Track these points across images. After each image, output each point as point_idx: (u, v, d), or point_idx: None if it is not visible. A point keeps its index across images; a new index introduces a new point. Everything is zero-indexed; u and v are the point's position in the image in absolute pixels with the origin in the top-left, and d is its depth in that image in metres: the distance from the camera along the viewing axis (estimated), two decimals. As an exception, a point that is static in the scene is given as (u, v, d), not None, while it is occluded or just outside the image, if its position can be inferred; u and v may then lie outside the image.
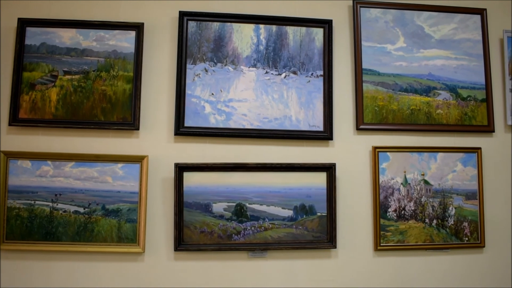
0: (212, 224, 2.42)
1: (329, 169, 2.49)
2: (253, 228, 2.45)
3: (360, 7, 2.66)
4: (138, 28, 2.46)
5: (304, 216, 2.49)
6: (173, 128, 2.45)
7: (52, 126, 2.39)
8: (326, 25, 2.60)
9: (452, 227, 2.60)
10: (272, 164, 2.47)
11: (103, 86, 2.42)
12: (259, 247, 2.45)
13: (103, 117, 2.40)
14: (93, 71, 2.43)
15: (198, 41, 2.52)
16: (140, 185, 2.39)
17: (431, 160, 2.61)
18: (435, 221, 2.58)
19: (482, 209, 2.62)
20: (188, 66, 2.49)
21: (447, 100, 2.67)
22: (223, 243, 2.42)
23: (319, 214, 2.49)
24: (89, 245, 2.34)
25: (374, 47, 2.65)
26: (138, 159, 2.39)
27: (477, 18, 2.77)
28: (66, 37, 2.44)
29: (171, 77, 2.50)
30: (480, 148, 2.65)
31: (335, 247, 2.48)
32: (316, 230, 2.49)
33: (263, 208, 2.47)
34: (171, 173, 2.42)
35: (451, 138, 2.66)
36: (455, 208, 2.61)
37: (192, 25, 2.52)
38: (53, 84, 2.40)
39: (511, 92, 2.73)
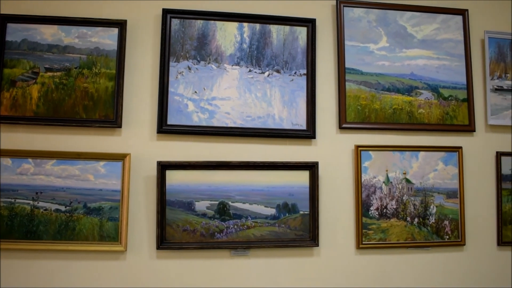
0: (195, 223, 2.48)
1: (311, 167, 2.57)
2: (235, 226, 2.52)
3: (344, 6, 2.74)
4: (121, 25, 2.50)
5: (287, 215, 2.56)
6: (156, 126, 2.50)
7: (33, 123, 2.41)
8: (310, 24, 2.68)
9: (433, 225, 2.70)
10: (255, 162, 2.53)
11: (85, 84, 2.45)
12: (242, 246, 2.51)
13: (85, 115, 2.43)
14: (75, 68, 2.46)
15: (181, 39, 2.58)
16: (122, 183, 2.43)
17: (413, 159, 2.71)
18: (416, 220, 2.69)
19: (463, 208, 2.73)
20: (171, 64, 2.54)
21: (429, 99, 2.77)
22: (205, 242, 2.48)
23: (301, 212, 2.57)
24: (71, 243, 2.37)
25: (357, 46, 2.74)
26: (120, 157, 2.44)
27: (459, 18, 2.87)
28: (48, 33, 2.47)
29: (154, 75, 2.55)
30: (461, 147, 2.76)
31: (317, 245, 2.55)
32: (298, 229, 2.56)
33: (246, 206, 2.53)
34: (153, 171, 2.47)
35: (432, 137, 2.76)
36: (436, 206, 2.71)
37: (175, 22, 2.57)
38: (34, 81, 2.43)
39: (491, 92, 2.85)
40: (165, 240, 2.45)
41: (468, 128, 2.79)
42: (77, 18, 2.49)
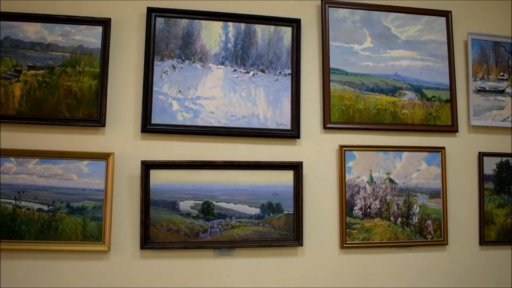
0: (179, 222, 2.53)
1: (296, 167, 2.63)
2: (220, 226, 2.56)
3: (329, 7, 2.81)
4: (105, 23, 2.53)
5: (271, 214, 2.62)
6: (140, 125, 2.53)
7: (16, 122, 2.43)
8: (295, 24, 2.74)
9: (416, 225, 2.78)
10: (239, 162, 2.58)
11: (69, 82, 2.48)
12: (226, 245, 2.55)
13: (68, 114, 2.46)
14: (59, 66, 2.48)
15: (166, 38, 2.62)
16: (106, 182, 2.46)
17: (396, 159, 2.79)
18: (399, 219, 2.77)
19: (446, 208, 2.81)
20: (155, 62, 2.58)
21: (412, 100, 2.86)
22: (189, 241, 2.52)
23: (286, 212, 2.63)
24: (53, 243, 2.39)
25: (342, 47, 2.81)
26: (104, 156, 2.47)
27: (442, 20, 2.96)
28: (31, 31, 2.49)
29: (138, 74, 2.59)
30: (444, 148, 2.85)
31: (301, 245, 2.61)
32: (283, 228, 2.62)
33: (230, 206, 2.58)
34: (137, 170, 2.51)
35: (416, 137, 2.84)
36: (419, 206, 2.79)
37: (160, 21, 2.61)
38: (16, 79, 2.45)
39: (474, 93, 2.94)
40: (149, 240, 2.49)
41: (451, 128, 2.88)
42: (60, 16, 2.51)
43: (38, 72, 2.48)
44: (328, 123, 2.73)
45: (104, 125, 2.50)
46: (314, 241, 2.68)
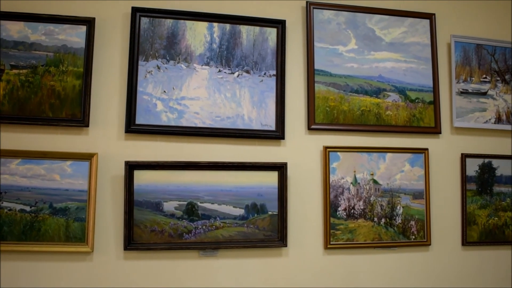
0: (163, 223, 2.56)
1: (280, 168, 2.69)
2: (204, 227, 2.61)
3: (313, 8, 2.88)
4: (89, 23, 2.56)
5: (256, 215, 2.67)
6: (124, 126, 2.57)
7: (-2, 121, 2.44)
8: (280, 25, 2.80)
9: (399, 225, 2.86)
10: (224, 163, 2.63)
11: (52, 82, 2.50)
12: (210, 246, 2.60)
13: (51, 113, 2.48)
14: (42, 65, 2.50)
15: (150, 38, 2.65)
16: (89, 183, 2.49)
17: (380, 160, 2.87)
18: (383, 220, 2.85)
19: (429, 208, 2.90)
20: (140, 62, 2.61)
21: (396, 101, 2.94)
22: (173, 242, 2.56)
23: (270, 213, 2.69)
24: (36, 244, 2.41)
25: (327, 48, 2.88)
26: (88, 157, 2.50)
27: (426, 22, 3.04)
28: (14, 30, 2.50)
29: (122, 74, 2.62)
30: (427, 149, 2.93)
31: (286, 245, 2.67)
32: (267, 229, 2.68)
33: (215, 207, 2.63)
34: (121, 171, 2.54)
35: (399, 139, 2.92)
36: (403, 207, 2.87)
37: (145, 21, 2.65)
38: (-1, 78, 2.47)
39: (457, 95, 3.04)
40: (132, 241, 2.52)
41: (434, 130, 2.96)
42: (44, 15, 2.53)
43: (21, 71, 2.49)
44: (313, 124, 2.79)
45: (87, 125, 2.53)
46: (298, 242, 2.74)
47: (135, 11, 2.64)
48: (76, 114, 2.52)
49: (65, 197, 2.48)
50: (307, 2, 2.87)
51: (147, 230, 2.55)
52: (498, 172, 3.06)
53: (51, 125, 2.51)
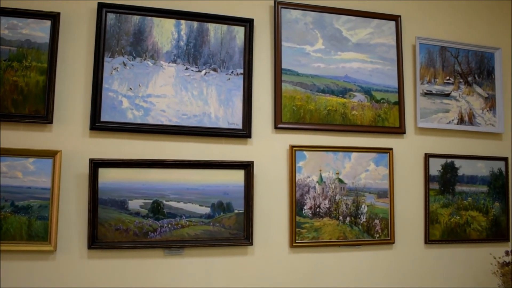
0: (128, 222, 2.59)
1: (247, 166, 2.75)
2: (169, 225, 2.64)
3: (281, 7, 2.94)
4: (54, 17, 2.56)
5: (222, 213, 2.72)
6: (89, 123, 2.57)
7: (-43, 117, 2.42)
8: (247, 24, 2.86)
9: (364, 224, 2.97)
10: (190, 161, 2.68)
11: (15, 77, 2.49)
12: (176, 245, 2.64)
13: (13, 109, 2.48)
14: (4, 60, 2.49)
15: (117, 34, 2.67)
16: (53, 181, 2.49)
17: (346, 159, 2.97)
18: (348, 219, 2.95)
19: (393, 207, 3.01)
20: (105, 59, 2.63)
21: (362, 102, 3.04)
22: (138, 241, 2.59)
23: (236, 211, 2.74)
24: (-4, 243, 2.40)
25: (294, 47, 2.96)
26: (51, 154, 2.50)
27: (392, 24, 3.16)
28: (-25, 24, 2.47)
29: (87, 70, 2.63)
30: (391, 149, 3.05)
31: (251, 244, 2.73)
32: (233, 227, 2.74)
33: (180, 205, 2.67)
34: (85, 169, 2.55)
35: (364, 138, 3.03)
36: (368, 206, 2.98)
37: (111, 17, 2.67)
38: (-41, 73, 2.43)
39: (421, 96, 3.16)
40: (96, 240, 2.54)
41: (399, 130, 3.08)
42: (7, 9, 2.52)
43: (-18, 66, 2.47)
44: (279, 123, 2.87)
45: (51, 122, 2.53)
46: (264, 240, 2.81)
47: (101, 6, 2.65)
48: (40, 111, 2.52)
49: (27, 195, 2.47)
50: (275, 1, 2.94)
51: (112, 228, 2.57)
52: (460, 172, 3.20)
53: (13, 121, 2.50)
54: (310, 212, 2.87)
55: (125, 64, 2.67)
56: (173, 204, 2.67)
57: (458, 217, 3.16)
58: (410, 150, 3.13)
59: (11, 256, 2.46)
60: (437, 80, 3.22)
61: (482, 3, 3.44)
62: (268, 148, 2.87)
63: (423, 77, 3.18)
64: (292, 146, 2.87)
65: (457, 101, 3.24)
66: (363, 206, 2.97)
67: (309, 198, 2.88)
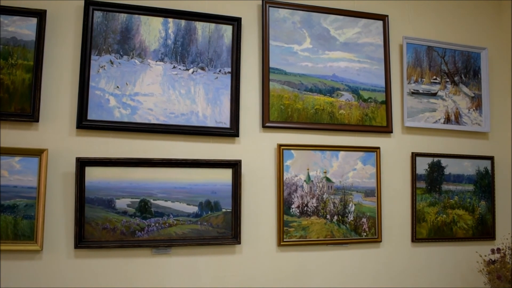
0: (115, 221, 2.60)
1: (234, 165, 2.79)
2: (157, 224, 2.66)
3: (269, 6, 2.98)
4: (40, 15, 2.56)
5: (209, 212, 2.75)
6: (75, 121, 2.59)
7: None
8: (235, 22, 2.89)
9: (351, 223, 3.02)
10: (177, 160, 2.70)
11: (0, 75, 2.49)
12: (163, 244, 2.66)
13: None
14: None
15: (104, 32, 2.68)
16: (39, 180, 2.50)
17: (333, 158, 3.02)
18: (336, 217, 2.99)
19: (380, 206, 3.07)
20: (92, 57, 2.64)
21: (349, 101, 3.09)
22: (126, 240, 2.61)
23: (224, 210, 2.77)
24: (-18, 242, 2.40)
25: (282, 46, 3.00)
26: (37, 153, 2.51)
27: (379, 24, 3.21)
28: (-40, 21, 2.47)
29: (74, 68, 2.64)
30: (379, 148, 3.10)
31: (239, 243, 2.77)
32: (221, 226, 2.77)
33: (168, 204, 2.69)
34: (72, 167, 2.57)
35: (352, 137, 3.08)
36: (355, 204, 3.03)
37: (98, 15, 2.68)
38: None
39: (408, 96, 3.22)
40: (83, 239, 2.55)
41: (386, 129, 3.14)
42: (-8, 6, 2.52)
43: (-33, 64, 2.46)
44: (267, 122, 2.90)
45: (37, 120, 2.54)
46: (252, 239, 2.85)
47: (88, 4, 2.67)
48: (26, 109, 2.53)
49: (13, 194, 2.48)
50: (263, 0, 2.97)
51: (99, 227, 2.59)
52: (446, 171, 3.26)
53: (-1, 120, 2.49)
54: (298, 211, 2.92)
55: (112, 62, 2.69)
56: (161, 203, 2.69)
57: (444, 215, 3.22)
58: (397, 149, 3.19)
59: (-3, 255, 2.46)
60: (424, 79, 3.28)
61: (468, 4, 3.51)
62: (255, 147, 2.91)
63: (410, 77, 3.24)
64: (280, 145, 2.91)
65: (444, 100, 3.31)
66: (350, 204, 3.02)
67: (297, 197, 2.92)
